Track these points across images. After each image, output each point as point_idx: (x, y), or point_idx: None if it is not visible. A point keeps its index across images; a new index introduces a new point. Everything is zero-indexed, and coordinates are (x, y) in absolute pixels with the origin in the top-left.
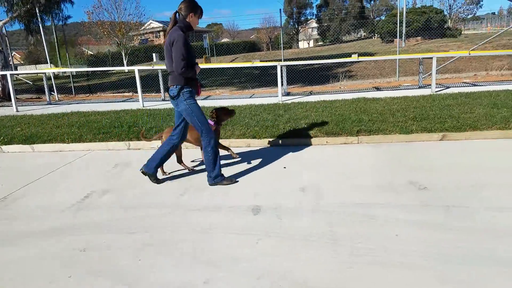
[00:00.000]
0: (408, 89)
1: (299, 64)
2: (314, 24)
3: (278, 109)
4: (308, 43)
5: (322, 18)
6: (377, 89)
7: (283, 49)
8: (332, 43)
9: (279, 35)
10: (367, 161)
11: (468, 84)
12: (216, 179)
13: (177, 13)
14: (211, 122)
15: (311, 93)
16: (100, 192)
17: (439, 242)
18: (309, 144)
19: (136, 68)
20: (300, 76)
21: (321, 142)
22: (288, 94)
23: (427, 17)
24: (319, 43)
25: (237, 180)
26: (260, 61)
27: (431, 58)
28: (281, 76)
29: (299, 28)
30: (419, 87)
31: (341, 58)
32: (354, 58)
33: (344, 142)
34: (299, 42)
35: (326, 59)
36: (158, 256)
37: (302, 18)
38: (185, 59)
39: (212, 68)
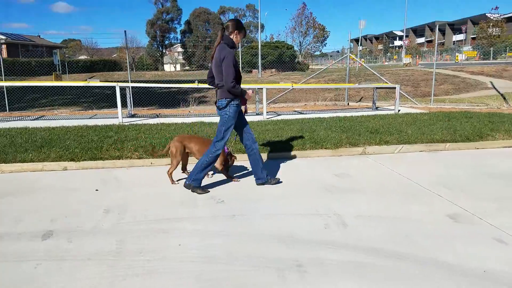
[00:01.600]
0: (247, 115)
1: (156, 87)
2: (180, 49)
3: (110, 131)
4: (175, 67)
5: (187, 43)
6: None
7: (147, 70)
8: (198, 68)
9: (143, 56)
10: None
11: (296, 112)
12: (195, 182)
13: (224, 30)
14: (226, 149)
15: (157, 116)
16: None
17: (212, 246)
18: (125, 166)
19: None
20: (156, 98)
21: (145, 163)
22: (133, 116)
23: (280, 52)
24: (186, 68)
25: (208, 190)
26: (100, 81)
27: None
28: (128, 97)
29: (164, 51)
30: (257, 114)
31: (186, 83)
32: (195, 84)
33: (167, 164)
34: (165, 65)
35: (179, 83)
36: None
37: (167, 42)
38: (234, 75)
39: (56, 86)
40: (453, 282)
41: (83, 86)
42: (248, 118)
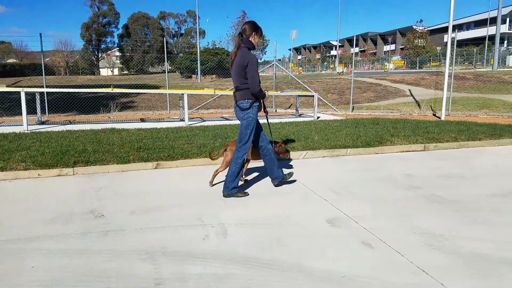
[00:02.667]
0: (171, 121)
1: (81, 92)
2: (118, 53)
3: (4, 139)
4: (112, 71)
5: (124, 48)
6: (142, 120)
7: (82, 74)
8: (137, 73)
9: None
10: (70, 192)
11: (222, 119)
12: (234, 190)
13: (241, 34)
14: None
15: (70, 122)
16: None
17: (68, 267)
18: (8, 178)
19: None
20: (78, 104)
21: (32, 175)
22: (43, 123)
23: (220, 58)
24: (125, 72)
25: (247, 193)
26: (7, 86)
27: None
28: (37, 104)
29: (100, 55)
30: (181, 120)
31: (101, 88)
32: (109, 89)
33: (58, 174)
34: (102, 69)
35: (96, 87)
36: None
37: (103, 46)
38: (259, 79)
39: None
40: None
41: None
42: (170, 124)
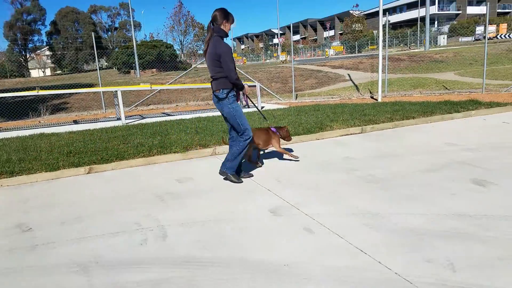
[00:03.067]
0: (107, 121)
1: (7, 97)
2: (48, 52)
3: None
4: (44, 72)
5: (55, 46)
6: (76, 122)
7: (10, 77)
8: (72, 72)
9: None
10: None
11: (164, 114)
12: (229, 170)
13: (212, 23)
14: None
15: None
16: None
17: None
18: None
19: None
20: (2, 110)
21: None
22: None
23: (158, 51)
24: (58, 72)
25: (242, 180)
26: None
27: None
28: None
29: (29, 56)
30: (117, 119)
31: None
32: (34, 92)
33: None
34: (33, 71)
35: (18, 91)
36: None
37: (31, 45)
38: (234, 67)
39: None
40: (251, 280)
41: None
42: (106, 124)
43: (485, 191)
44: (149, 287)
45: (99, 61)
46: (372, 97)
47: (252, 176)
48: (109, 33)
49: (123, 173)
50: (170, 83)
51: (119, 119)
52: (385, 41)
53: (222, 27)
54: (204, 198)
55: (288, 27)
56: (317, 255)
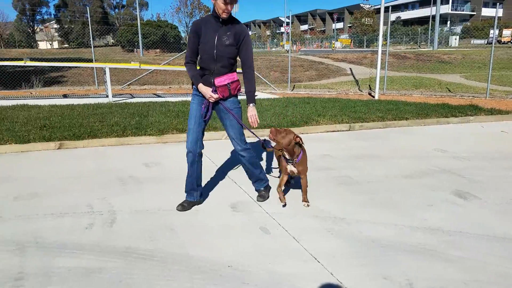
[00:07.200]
0: (95, 97)
1: (7, 66)
2: (56, 25)
3: None
4: (51, 44)
5: (62, 19)
6: (65, 96)
7: (19, 48)
8: (78, 46)
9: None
10: None
11: (154, 95)
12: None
13: None
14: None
15: None
16: None
17: None
18: None
19: None
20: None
21: None
22: None
23: (163, 31)
24: (65, 45)
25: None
26: None
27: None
28: None
29: (36, 27)
30: (106, 96)
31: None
32: (21, 62)
33: None
34: (41, 43)
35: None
36: None
37: (39, 17)
38: (188, 53)
39: None
40: (188, 280)
41: None
42: (93, 100)
43: (465, 205)
44: (79, 274)
45: (104, 37)
46: (370, 94)
47: None
48: (117, 10)
49: (93, 152)
50: (162, 64)
51: (107, 96)
52: (387, 36)
53: (213, 2)
54: (166, 186)
55: (297, 16)
56: (266, 258)
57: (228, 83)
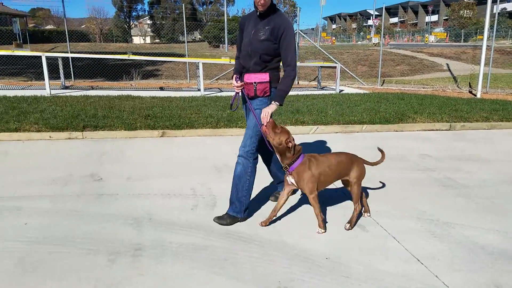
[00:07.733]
0: (188, 90)
1: (109, 58)
2: (149, 21)
3: (23, 102)
4: (144, 40)
5: (155, 15)
6: (161, 89)
7: (116, 42)
8: (169, 41)
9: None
10: (76, 155)
11: None
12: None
13: None
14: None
15: (92, 88)
16: None
17: (56, 227)
18: (32, 138)
19: None
20: (103, 70)
21: (43, 137)
22: (67, 87)
23: None
24: (156, 41)
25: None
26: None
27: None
28: (60, 69)
29: (132, 23)
30: (198, 90)
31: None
32: (126, 56)
33: (68, 137)
34: (135, 38)
35: (113, 54)
36: None
37: (134, 14)
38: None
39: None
40: (288, 267)
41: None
42: (186, 94)
43: None
44: (189, 250)
45: (192, 33)
46: (470, 92)
47: None
48: (204, 6)
49: (191, 141)
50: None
51: (199, 90)
52: (493, 30)
53: None
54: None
55: (386, 8)
56: (364, 254)
57: (255, 82)
